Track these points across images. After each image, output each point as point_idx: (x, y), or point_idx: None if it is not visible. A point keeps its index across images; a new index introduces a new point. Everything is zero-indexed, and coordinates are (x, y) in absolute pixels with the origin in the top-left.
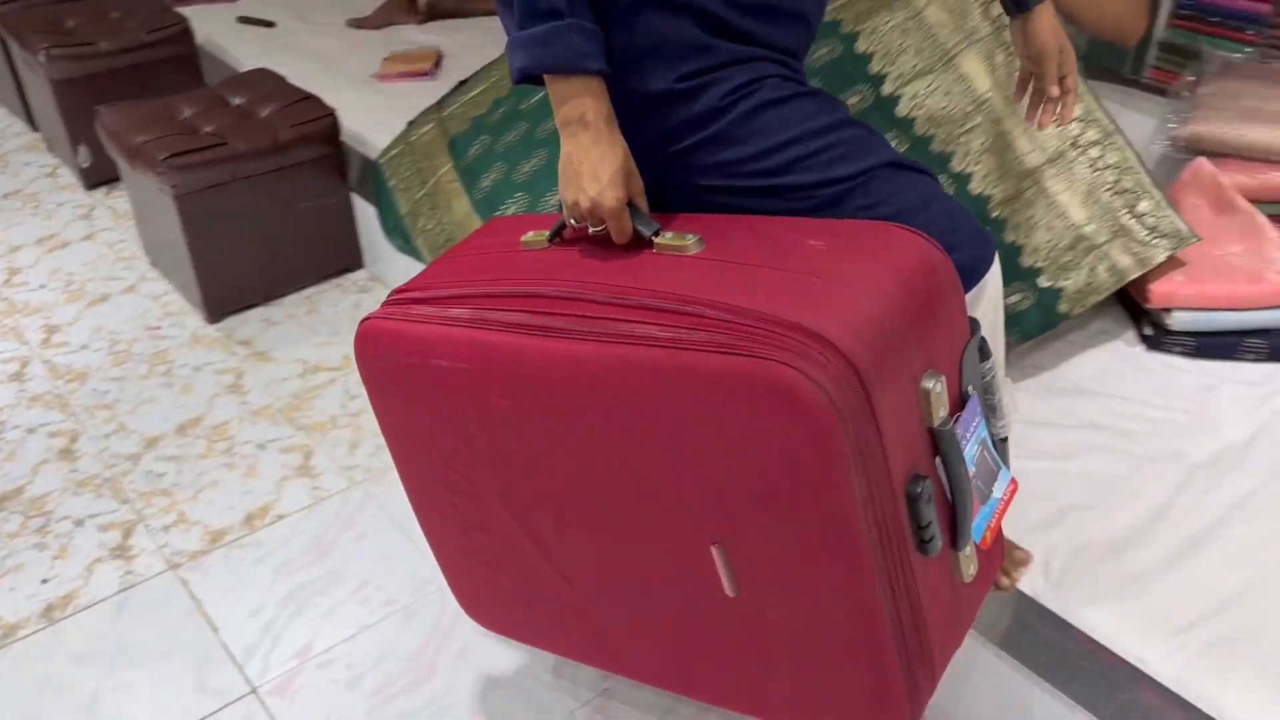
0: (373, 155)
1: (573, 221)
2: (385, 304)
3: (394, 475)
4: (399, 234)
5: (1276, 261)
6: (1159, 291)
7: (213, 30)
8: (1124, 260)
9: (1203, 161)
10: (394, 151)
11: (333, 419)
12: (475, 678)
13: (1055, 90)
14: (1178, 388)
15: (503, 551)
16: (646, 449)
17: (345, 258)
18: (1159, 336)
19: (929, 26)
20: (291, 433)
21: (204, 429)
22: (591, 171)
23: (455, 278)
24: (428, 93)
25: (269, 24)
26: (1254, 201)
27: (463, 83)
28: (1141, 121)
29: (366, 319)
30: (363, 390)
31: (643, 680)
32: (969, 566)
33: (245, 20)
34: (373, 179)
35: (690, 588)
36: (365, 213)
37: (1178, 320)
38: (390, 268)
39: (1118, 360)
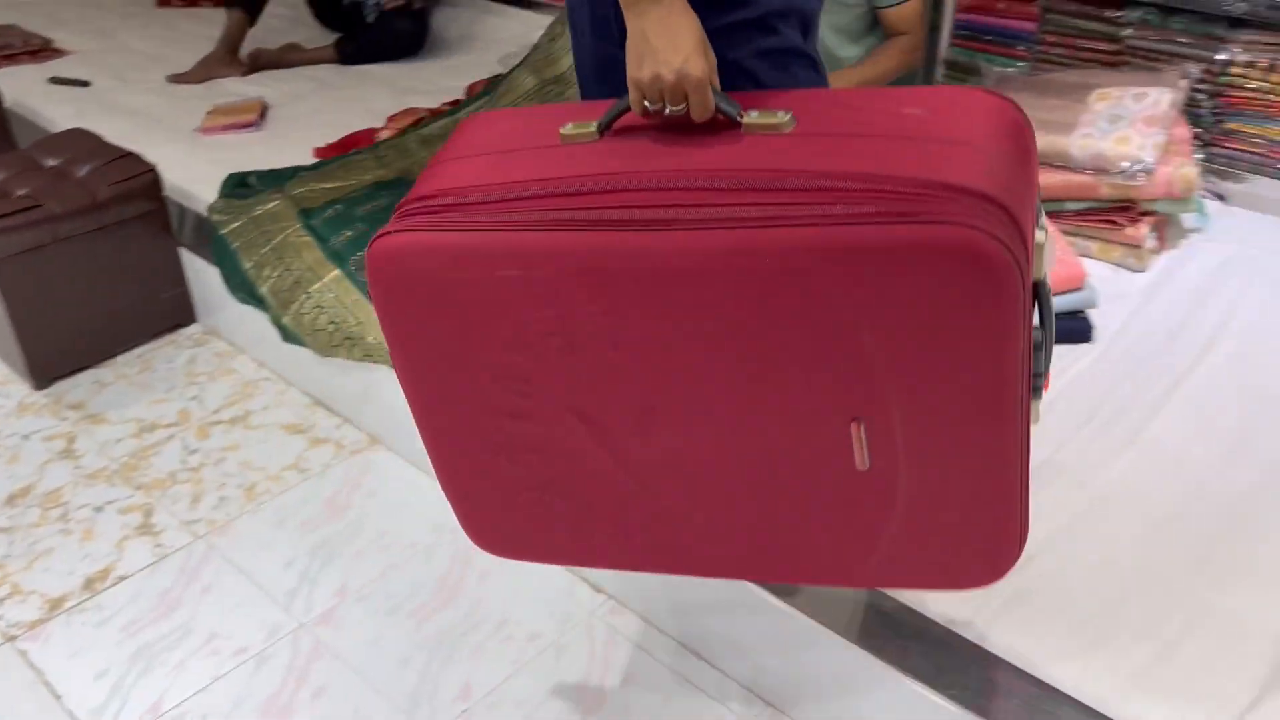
0: (200, 209)
1: (647, 103)
2: (398, 217)
3: (240, 525)
4: (243, 289)
5: (1054, 254)
6: None
7: (22, 92)
8: None
9: None
10: (235, 224)
11: (172, 475)
12: (332, 714)
13: None
14: None
15: (560, 470)
16: (786, 332)
17: (177, 314)
18: None
19: None
20: (130, 492)
21: (35, 497)
22: (671, 43)
23: (482, 179)
24: (255, 144)
25: (84, 84)
26: (1044, 203)
27: (313, 167)
28: None
29: (381, 235)
30: (203, 442)
31: (714, 574)
32: (1039, 411)
33: (58, 81)
34: (213, 244)
35: (810, 468)
36: (196, 267)
37: None
38: (225, 320)
39: None
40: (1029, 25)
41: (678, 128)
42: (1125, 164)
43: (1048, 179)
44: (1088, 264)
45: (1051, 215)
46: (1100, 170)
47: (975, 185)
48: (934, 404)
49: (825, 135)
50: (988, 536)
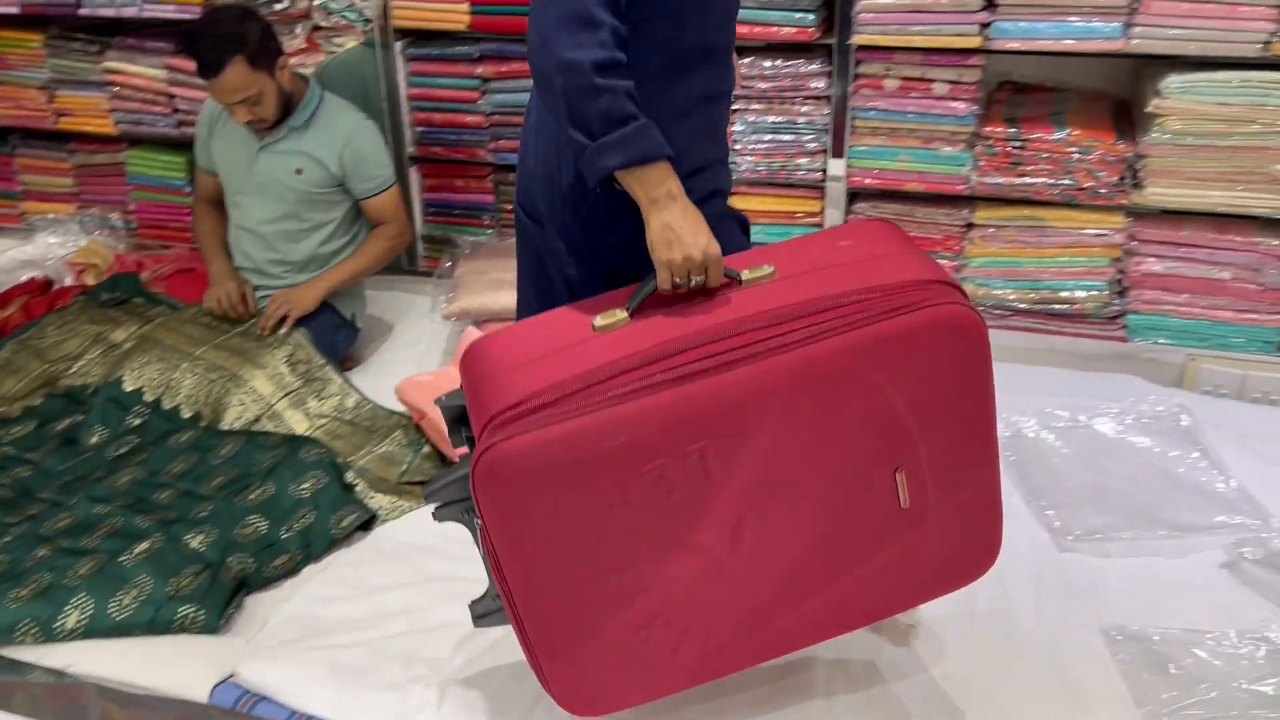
0: None
1: (677, 280)
2: (494, 430)
3: None
4: None
5: None
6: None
7: None
8: None
9: (470, 330)
10: None
11: None
12: None
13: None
14: None
15: (664, 599)
16: (839, 416)
17: None
18: None
19: None
20: None
21: None
22: (693, 230)
23: (555, 377)
24: None
25: None
26: None
27: None
28: (423, 302)
29: (489, 447)
30: None
31: (795, 646)
32: None
33: None
34: None
35: (866, 517)
36: None
37: None
38: None
39: None
40: (488, 198)
41: (690, 296)
42: None
43: None
44: None
45: None
46: None
47: (927, 275)
48: (949, 439)
49: (804, 274)
50: (989, 530)
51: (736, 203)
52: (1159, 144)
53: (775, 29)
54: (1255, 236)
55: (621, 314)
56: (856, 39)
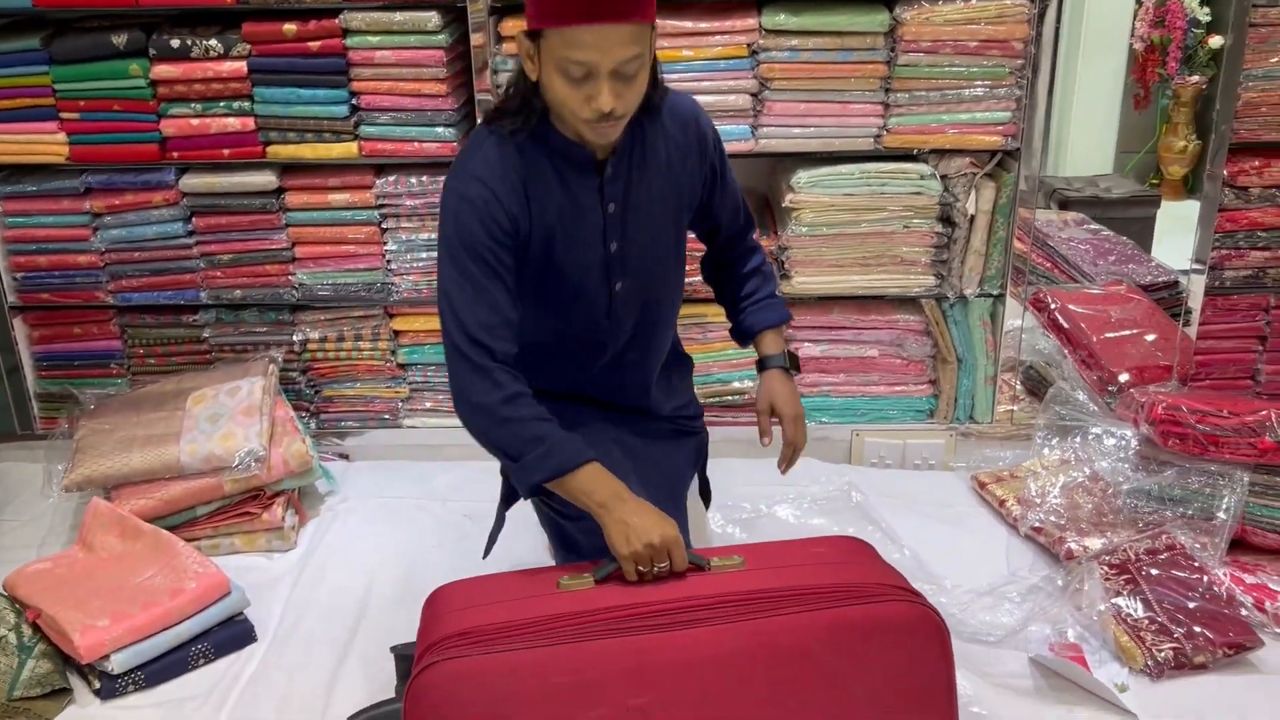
0: None
1: (641, 569)
2: (432, 652)
3: None
4: None
5: (191, 568)
6: (88, 644)
7: None
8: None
9: (98, 500)
10: None
11: None
12: None
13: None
14: None
15: None
16: (795, 699)
17: None
18: (110, 685)
19: None
20: None
21: None
22: (646, 519)
23: (511, 616)
24: None
25: None
26: (162, 517)
27: None
28: (37, 471)
29: (427, 667)
30: None
31: None
32: None
33: None
34: None
35: None
36: None
37: (118, 662)
38: None
39: None
40: (114, 343)
41: (657, 580)
42: (237, 459)
43: (169, 491)
44: (234, 561)
45: (184, 525)
46: (217, 470)
47: (890, 580)
48: None
49: (771, 568)
50: None
51: (400, 324)
52: (798, 235)
53: (418, 145)
54: (894, 315)
55: (588, 578)
56: None
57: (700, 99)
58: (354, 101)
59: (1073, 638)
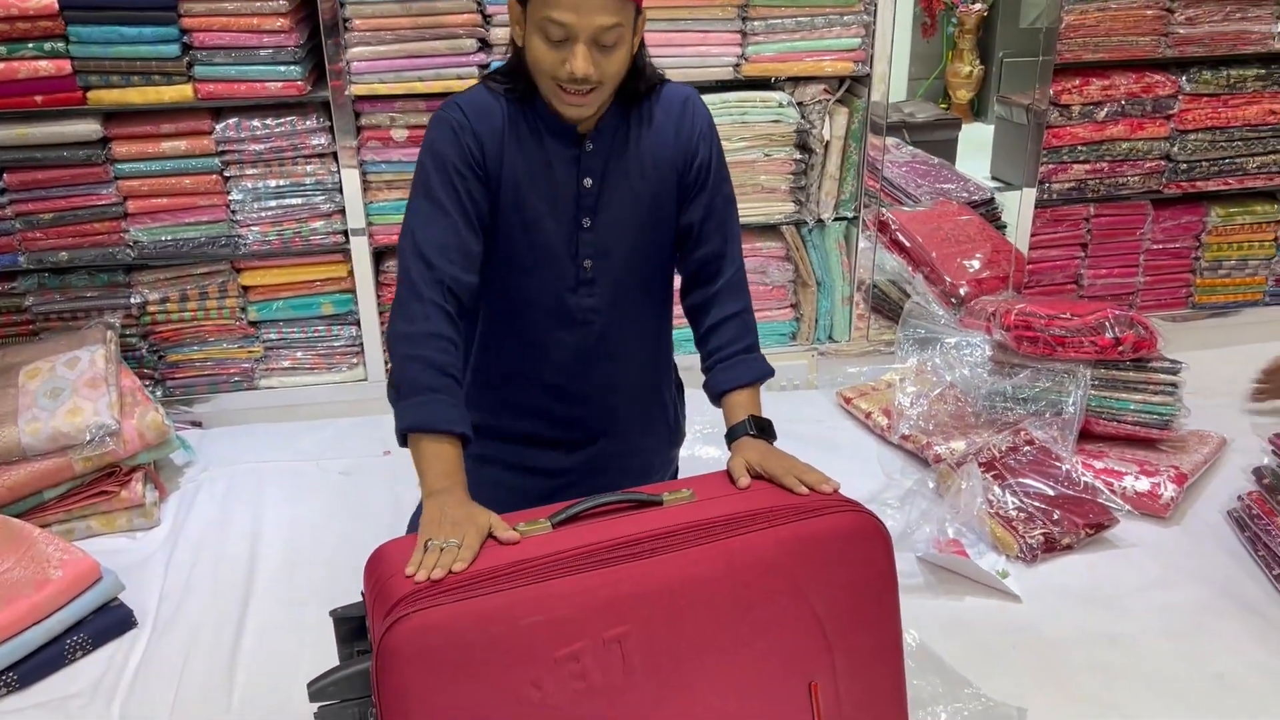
0: None
1: (430, 544)
2: (402, 605)
3: None
4: None
5: (53, 555)
6: None
7: None
8: None
9: None
10: None
11: None
12: None
13: (803, 490)
14: None
15: None
16: (761, 612)
17: None
18: None
19: None
20: None
21: None
22: (459, 514)
23: (479, 565)
24: None
25: None
26: (5, 505)
27: None
28: None
29: (398, 619)
30: None
31: None
32: None
33: None
34: None
35: None
36: None
37: None
38: None
39: None
40: None
41: (614, 515)
42: (88, 434)
43: (11, 476)
44: (94, 545)
45: (33, 511)
46: (65, 448)
47: (833, 498)
48: (860, 649)
49: (721, 497)
50: None
51: (250, 279)
52: None
53: (261, 85)
54: (757, 242)
55: (544, 523)
56: (354, 89)
57: None
58: (185, 40)
59: (953, 535)
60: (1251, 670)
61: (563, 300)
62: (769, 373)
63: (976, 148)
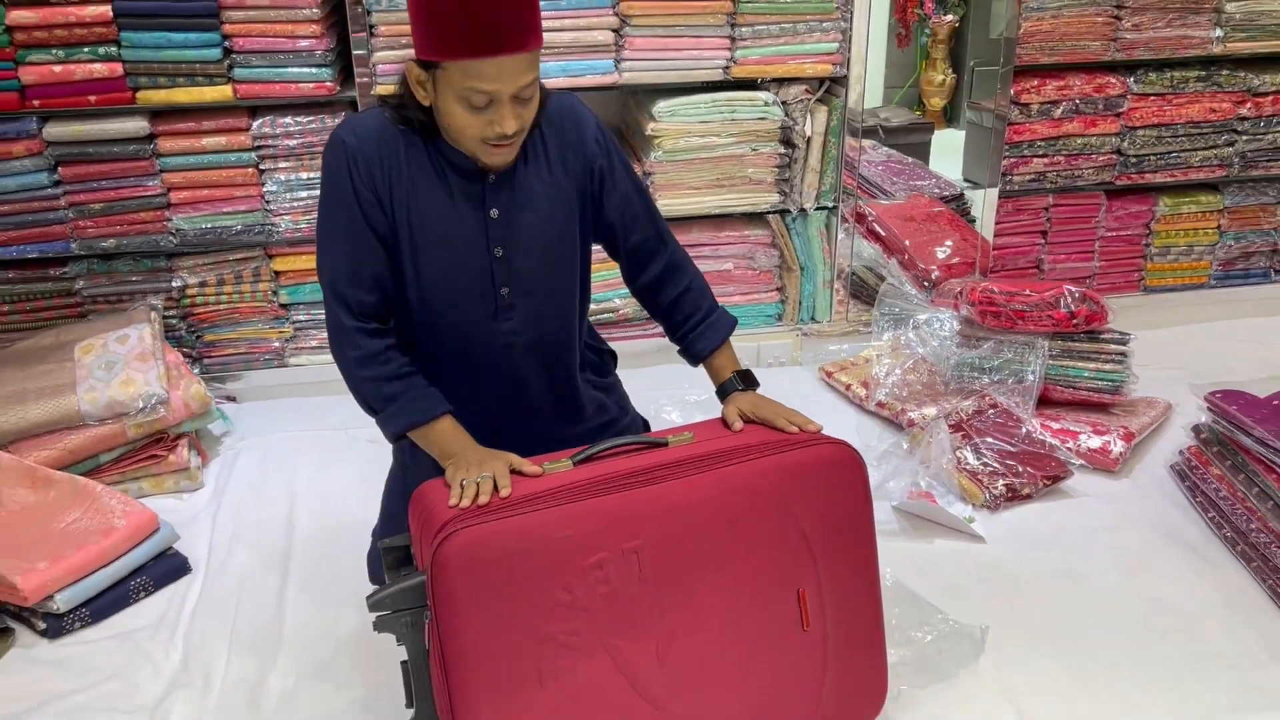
0: None
1: (464, 482)
2: (451, 524)
3: None
4: None
5: (116, 508)
6: (32, 586)
7: None
8: None
9: (1, 454)
10: None
11: None
12: None
13: (791, 429)
14: (89, 660)
15: (585, 703)
16: (756, 529)
17: None
18: (56, 624)
19: None
20: None
21: None
22: (481, 456)
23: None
24: None
25: None
26: (65, 467)
27: None
28: None
29: (449, 535)
30: None
31: None
32: None
33: None
34: None
35: (775, 641)
36: None
37: (63, 601)
38: None
39: None
40: None
41: (626, 454)
42: (140, 403)
43: (72, 440)
44: (149, 503)
45: (90, 474)
46: (119, 415)
47: (817, 435)
48: (840, 566)
49: (719, 437)
50: (874, 680)
51: (281, 264)
52: (660, 161)
53: (294, 85)
54: (745, 230)
55: (566, 462)
56: (379, 89)
57: (565, 36)
58: (226, 44)
59: (924, 487)
60: (1187, 598)
61: (487, 328)
62: (733, 322)
63: (950, 152)
